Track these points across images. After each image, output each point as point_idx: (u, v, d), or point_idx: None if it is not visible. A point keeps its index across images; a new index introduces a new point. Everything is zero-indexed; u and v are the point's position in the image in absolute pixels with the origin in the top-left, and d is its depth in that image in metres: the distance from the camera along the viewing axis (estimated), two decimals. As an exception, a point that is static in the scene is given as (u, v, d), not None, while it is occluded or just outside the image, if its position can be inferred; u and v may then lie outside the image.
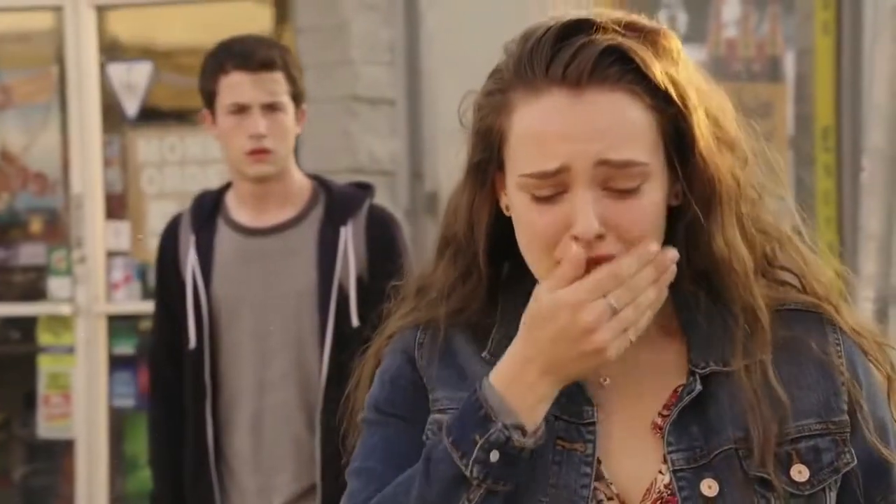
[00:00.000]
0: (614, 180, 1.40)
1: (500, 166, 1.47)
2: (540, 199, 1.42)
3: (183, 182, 5.23)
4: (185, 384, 3.16)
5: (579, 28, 1.42)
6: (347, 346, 2.96)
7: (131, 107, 5.29)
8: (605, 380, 1.49)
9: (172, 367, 3.18)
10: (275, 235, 3.15)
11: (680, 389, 1.47)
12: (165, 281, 3.22)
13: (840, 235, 5.57)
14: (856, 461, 1.47)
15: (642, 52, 1.42)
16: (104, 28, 5.32)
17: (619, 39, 1.41)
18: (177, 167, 5.27)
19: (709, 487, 1.44)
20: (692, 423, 1.45)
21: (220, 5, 5.35)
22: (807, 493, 1.46)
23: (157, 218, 5.13)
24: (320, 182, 3.24)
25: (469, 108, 1.50)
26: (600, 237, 1.40)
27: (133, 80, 5.28)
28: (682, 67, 1.45)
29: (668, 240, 1.45)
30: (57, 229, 5.35)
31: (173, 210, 3.47)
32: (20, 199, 5.41)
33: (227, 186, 3.27)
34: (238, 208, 3.20)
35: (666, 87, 1.42)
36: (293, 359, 3.09)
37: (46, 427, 5.34)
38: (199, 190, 3.40)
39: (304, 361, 3.09)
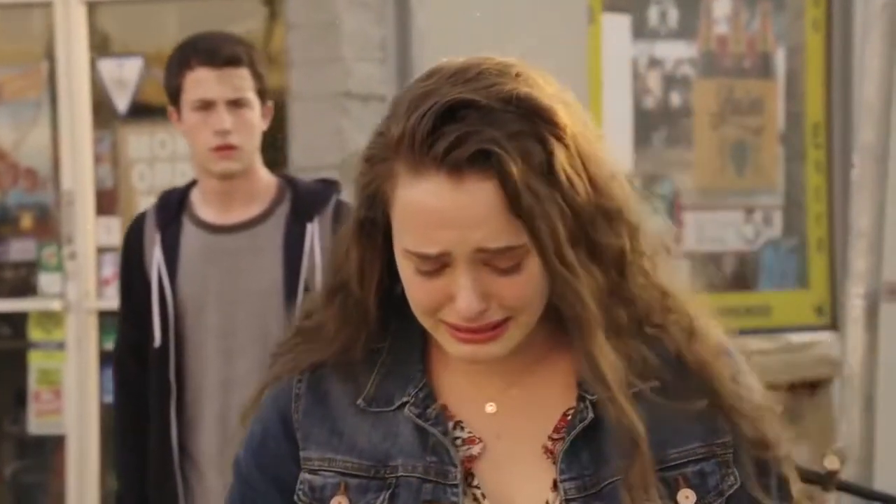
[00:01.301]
0: (494, 261, 1.42)
1: (389, 225, 1.48)
2: (423, 272, 1.44)
3: (173, 178, 5.22)
4: (149, 383, 3.15)
5: (464, 108, 1.41)
6: None
7: (122, 103, 5.28)
8: (490, 406, 1.49)
9: (137, 366, 3.17)
10: (241, 233, 3.15)
11: (570, 413, 1.48)
12: (130, 279, 3.21)
13: (830, 232, 5.58)
14: (739, 482, 1.49)
15: (514, 152, 1.41)
16: (94, 24, 5.31)
17: (497, 136, 1.40)
18: (167, 163, 5.27)
19: None
20: (582, 451, 1.47)
21: (211, 1, 5.34)
22: None
23: (147, 214, 5.12)
24: (286, 179, 3.24)
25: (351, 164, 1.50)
26: (483, 310, 1.42)
27: (124, 76, 5.27)
28: (570, 145, 1.44)
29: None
30: (47, 225, 5.34)
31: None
32: (11, 195, 5.40)
33: (193, 184, 3.26)
34: (203, 206, 3.19)
35: (530, 189, 1.41)
36: (259, 357, 3.07)
37: (37, 423, 5.34)
38: None
39: (267, 361, 3.10)
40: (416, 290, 1.45)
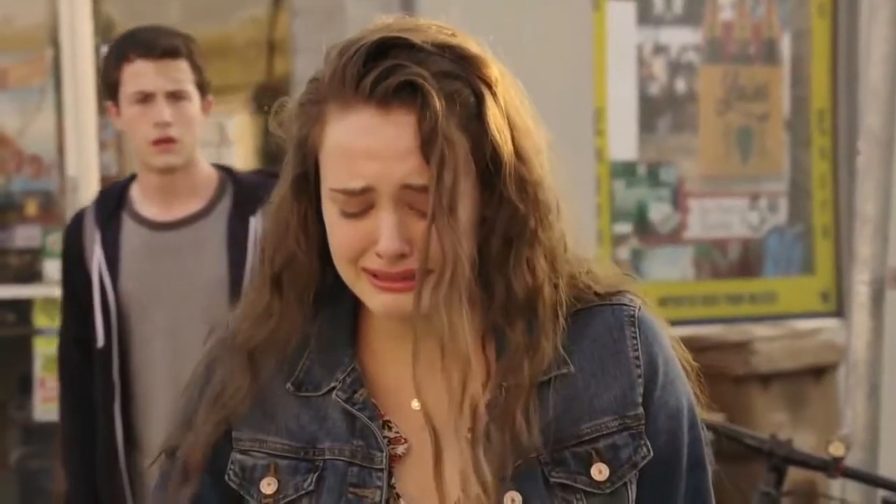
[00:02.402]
0: (419, 203, 1.41)
1: (318, 177, 1.48)
2: (348, 214, 1.43)
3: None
4: (94, 382, 3.11)
5: (396, 46, 1.42)
6: None
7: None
8: (416, 403, 1.49)
9: (82, 362, 3.12)
10: (183, 228, 3.11)
11: (487, 403, 1.48)
12: (72, 277, 3.16)
13: (836, 218, 5.58)
14: (652, 453, 1.49)
15: (440, 91, 1.41)
16: (99, 10, 5.31)
17: (424, 74, 1.40)
18: (172, 150, 5.26)
19: (512, 500, 1.45)
20: (496, 436, 1.46)
21: (215, -13, 5.34)
22: (608, 490, 1.48)
23: (152, 201, 5.12)
24: (227, 172, 3.19)
25: (285, 117, 1.50)
26: (403, 255, 1.42)
27: (128, 62, 5.26)
28: (499, 98, 1.44)
29: (480, 254, 1.46)
30: (52, 212, 5.34)
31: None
32: (15, 181, 5.41)
33: (132, 178, 3.21)
34: (143, 201, 3.14)
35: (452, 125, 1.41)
36: None
37: (42, 409, 5.34)
38: None
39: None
40: (340, 233, 1.44)
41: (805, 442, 4.07)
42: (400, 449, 1.50)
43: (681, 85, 5.43)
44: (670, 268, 5.41)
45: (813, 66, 5.56)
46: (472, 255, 1.45)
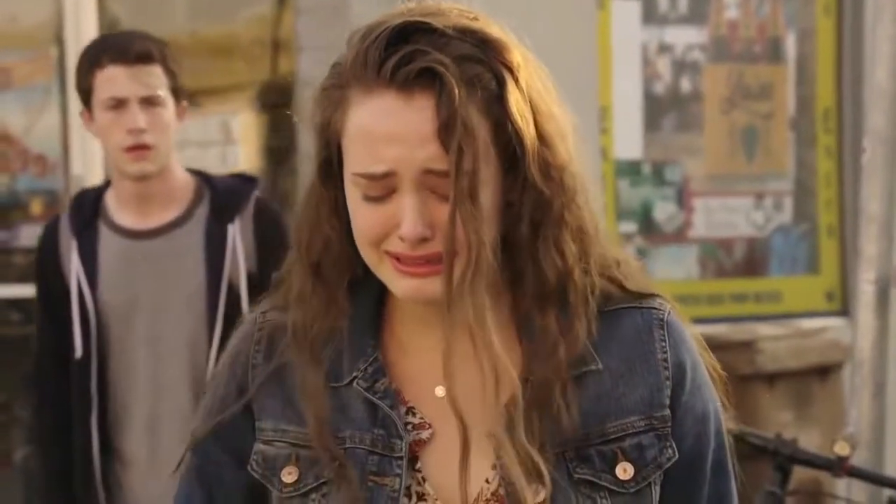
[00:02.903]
0: (441, 187, 1.41)
1: (341, 162, 1.48)
2: (370, 198, 1.43)
3: (183, 164, 5.21)
4: (71, 392, 3.07)
5: (417, 31, 1.42)
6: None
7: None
8: (440, 390, 1.49)
9: (59, 375, 3.08)
10: (160, 237, 3.07)
11: (514, 395, 1.48)
12: (48, 287, 3.11)
13: (841, 217, 5.57)
14: (677, 455, 1.50)
15: (460, 74, 1.40)
16: (104, 9, 5.31)
17: (444, 60, 1.40)
18: (177, 149, 5.26)
19: (535, 493, 1.45)
20: (520, 429, 1.46)
21: (220, -14, 5.34)
22: (632, 490, 1.48)
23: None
24: (203, 178, 3.14)
25: (309, 102, 1.50)
26: (425, 239, 1.42)
27: (133, 61, 5.27)
28: (521, 82, 1.44)
29: (508, 241, 1.46)
30: (57, 211, 5.34)
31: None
32: (21, 180, 5.41)
33: (107, 185, 3.16)
34: (119, 209, 3.09)
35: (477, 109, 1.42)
36: (187, 361, 3.03)
37: (47, 409, 5.35)
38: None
39: (198, 363, 3.03)
40: (363, 217, 1.44)
41: (810, 441, 4.07)
42: (424, 434, 1.50)
43: (686, 84, 5.43)
44: (675, 267, 5.41)
45: (818, 65, 5.56)
46: (494, 240, 1.44)
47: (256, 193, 3.11)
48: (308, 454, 1.50)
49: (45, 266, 3.12)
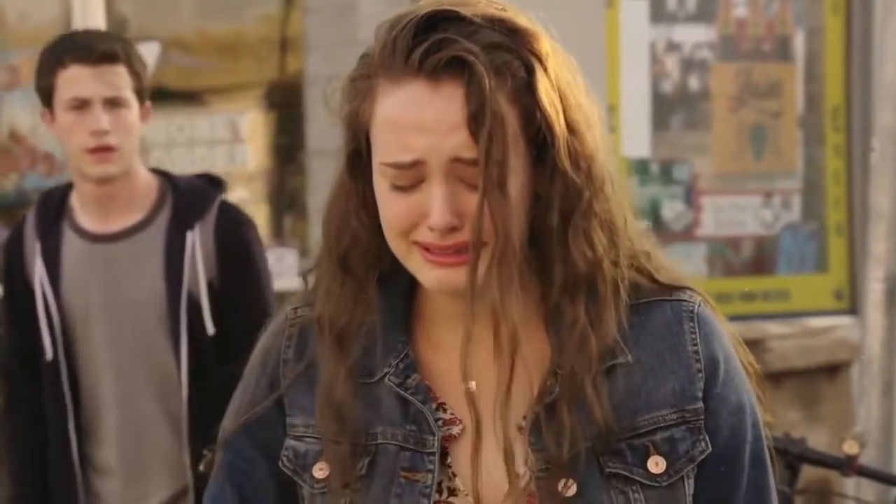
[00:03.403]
0: (469, 176, 1.41)
1: (370, 153, 1.47)
2: (398, 188, 1.43)
3: (191, 163, 5.22)
4: (44, 397, 3.02)
5: (446, 20, 1.42)
6: (205, 353, 2.92)
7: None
8: (471, 385, 1.48)
9: (29, 379, 3.04)
10: (121, 241, 3.00)
11: (542, 390, 1.48)
12: (14, 289, 3.06)
13: (850, 215, 5.56)
14: (710, 448, 1.48)
15: (489, 62, 1.40)
16: (111, 8, 5.31)
17: (473, 48, 1.40)
18: (185, 148, 5.27)
19: (566, 487, 1.45)
20: (552, 423, 1.46)
21: (228, -15, 5.34)
22: (664, 483, 1.47)
23: (165, 198, 5.13)
24: (167, 179, 3.07)
25: (336, 92, 1.50)
26: (454, 228, 1.42)
27: (141, 60, 5.27)
28: (549, 72, 1.44)
29: (537, 232, 1.46)
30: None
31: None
32: (29, 179, 5.41)
33: (70, 187, 3.09)
34: (83, 212, 3.03)
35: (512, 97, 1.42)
36: (150, 368, 2.97)
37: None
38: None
39: (162, 370, 2.98)
40: (391, 207, 1.44)
41: (819, 440, 4.06)
42: (455, 429, 1.49)
43: (694, 82, 5.42)
44: (683, 265, 5.39)
45: (827, 64, 5.55)
46: (522, 229, 1.44)
47: (221, 197, 3.04)
48: (339, 450, 1.49)
49: (11, 267, 3.07)
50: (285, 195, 5.36)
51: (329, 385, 1.50)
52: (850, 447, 3.02)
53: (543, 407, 1.46)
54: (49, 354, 2.98)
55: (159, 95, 5.33)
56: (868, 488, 3.37)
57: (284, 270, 5.24)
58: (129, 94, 2.95)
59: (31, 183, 5.41)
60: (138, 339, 2.97)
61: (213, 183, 3.09)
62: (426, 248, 1.44)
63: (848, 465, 3.03)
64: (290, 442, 1.52)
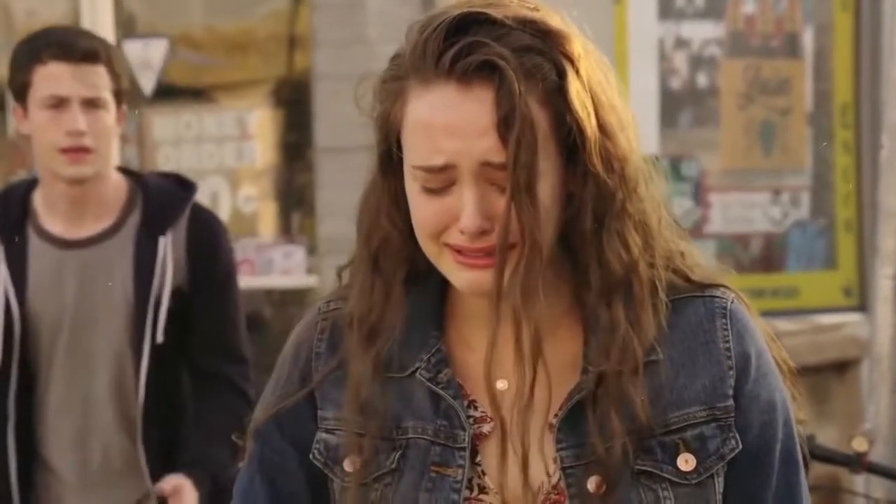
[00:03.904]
0: (500, 179, 1.41)
1: (400, 155, 1.48)
2: (429, 190, 1.43)
3: (199, 160, 5.22)
4: None
5: (477, 22, 1.42)
6: (161, 363, 2.87)
7: (147, 84, 5.28)
8: (502, 383, 1.48)
9: None
10: (91, 247, 2.90)
11: (573, 389, 1.48)
12: None
13: (859, 212, 5.55)
14: (741, 446, 1.48)
15: (520, 65, 1.40)
16: (120, 5, 5.32)
17: (504, 52, 1.40)
18: (193, 144, 5.27)
19: (595, 485, 1.45)
20: (582, 421, 1.46)
21: (236, -18, 5.35)
22: (694, 481, 1.47)
23: (173, 195, 5.14)
24: (137, 181, 2.96)
25: (367, 93, 1.50)
26: (485, 231, 1.42)
27: (149, 57, 5.28)
28: (581, 73, 1.44)
29: (570, 234, 1.46)
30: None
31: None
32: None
33: (32, 185, 2.97)
34: (49, 215, 2.92)
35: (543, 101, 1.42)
36: (114, 375, 2.90)
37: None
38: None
39: (123, 378, 2.90)
40: (422, 209, 1.44)
41: (828, 437, 4.06)
42: (486, 428, 1.50)
43: (702, 79, 5.41)
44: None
45: (836, 60, 5.54)
46: (552, 232, 1.44)
47: (193, 201, 2.96)
48: (370, 443, 1.49)
49: None
50: (293, 192, 5.36)
51: (358, 381, 1.50)
52: (859, 444, 3.02)
53: (573, 406, 1.47)
54: None
55: (167, 92, 5.34)
56: (877, 485, 3.37)
57: (292, 267, 5.24)
58: (107, 96, 2.85)
59: (40, 180, 5.42)
60: (107, 347, 2.90)
61: (183, 186, 3.00)
62: (457, 251, 1.44)
63: (857, 462, 3.03)
64: (321, 435, 1.53)
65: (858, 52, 5.51)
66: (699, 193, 5.42)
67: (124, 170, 3.00)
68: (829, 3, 5.52)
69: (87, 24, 5.21)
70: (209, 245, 2.94)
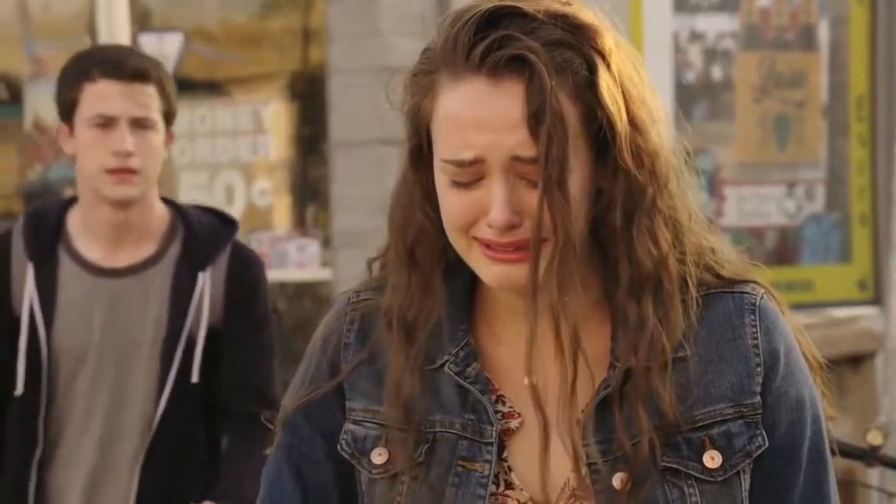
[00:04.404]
0: (529, 173, 1.40)
1: (430, 149, 1.47)
2: (458, 184, 1.43)
3: (213, 153, 5.23)
4: (7, 428, 2.80)
5: (508, 15, 1.41)
6: (184, 400, 2.79)
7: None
8: (532, 379, 1.47)
9: None
10: (129, 277, 2.80)
11: (601, 385, 1.47)
12: None
13: (874, 205, 5.54)
14: (767, 443, 1.47)
15: (551, 60, 1.40)
16: (135, -1, 5.33)
17: (535, 46, 1.39)
18: (207, 138, 5.28)
19: (621, 481, 1.44)
20: (608, 417, 1.46)
21: (251, -24, 5.35)
22: (719, 478, 1.46)
23: (188, 189, 5.14)
24: (178, 210, 2.87)
25: (398, 87, 1.49)
26: (514, 226, 1.41)
27: (164, 50, 5.28)
28: (612, 68, 1.43)
29: (600, 229, 1.46)
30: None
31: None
32: (54, 169, 5.43)
33: (67, 206, 2.86)
34: (86, 239, 2.81)
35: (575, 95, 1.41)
36: (135, 412, 2.80)
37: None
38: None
39: (146, 414, 2.80)
40: (451, 203, 1.44)
41: (842, 430, 4.05)
42: (513, 423, 1.49)
43: (717, 72, 5.40)
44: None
45: (851, 53, 5.52)
46: (583, 227, 1.43)
47: (234, 237, 2.87)
48: (398, 436, 1.49)
49: None
50: (308, 185, 5.37)
51: (399, 378, 1.50)
52: (874, 437, 3.01)
53: (601, 401, 1.46)
54: (20, 389, 2.76)
55: (182, 86, 5.35)
56: (892, 479, 3.36)
57: (306, 260, 5.25)
58: (157, 116, 2.77)
59: (56, 174, 5.43)
60: (130, 380, 2.80)
61: (226, 221, 2.92)
62: (486, 245, 1.43)
63: (872, 456, 3.02)
64: (348, 426, 1.52)
65: (874, 44, 5.50)
66: (714, 186, 5.41)
67: (164, 199, 2.91)
68: (844, -5, 5.51)
69: (102, 19, 5.22)
70: (249, 286, 2.85)
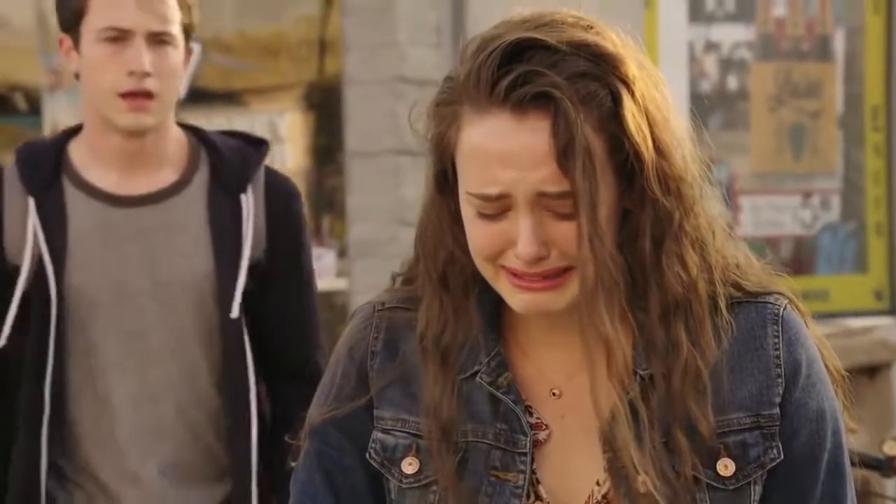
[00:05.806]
0: (555, 207, 1.41)
1: (456, 175, 1.48)
2: (484, 216, 1.43)
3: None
4: (7, 393, 2.41)
5: (531, 48, 1.41)
6: (228, 341, 2.41)
7: (180, 87, 5.31)
8: (557, 393, 1.49)
9: None
10: (149, 206, 2.41)
11: (620, 393, 1.47)
12: None
13: (889, 215, 5.54)
14: (782, 456, 1.47)
15: (575, 93, 1.40)
16: (152, 10, 5.35)
17: (559, 81, 1.39)
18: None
19: (643, 484, 1.44)
20: (634, 425, 1.46)
21: (267, -14, 5.37)
22: (731, 487, 1.46)
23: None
24: (197, 134, 2.49)
25: (422, 115, 1.49)
26: (542, 257, 1.42)
27: (181, 61, 5.29)
28: (636, 95, 1.43)
29: (626, 254, 1.46)
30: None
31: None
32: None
33: (68, 135, 2.46)
34: (95, 167, 2.42)
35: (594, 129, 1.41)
36: (178, 366, 2.42)
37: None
38: None
39: (190, 368, 2.42)
40: (478, 233, 1.44)
41: (858, 441, 4.05)
42: (542, 435, 1.50)
43: (732, 82, 5.41)
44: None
45: (867, 63, 5.52)
46: (614, 250, 1.43)
47: (265, 159, 2.51)
48: (429, 445, 1.49)
49: None
50: (324, 195, 5.38)
51: (437, 402, 1.49)
52: (890, 448, 3.01)
53: (622, 408, 1.46)
54: (2, 341, 2.38)
55: (199, 96, 5.36)
56: (908, 489, 3.36)
57: (322, 270, 5.26)
58: (176, 31, 2.40)
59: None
60: (167, 329, 2.41)
61: (253, 143, 2.53)
62: (514, 274, 1.44)
63: (888, 466, 3.02)
64: (377, 434, 1.52)
65: (890, 54, 5.50)
66: (729, 196, 5.40)
67: (182, 124, 2.54)
68: (860, 5, 5.51)
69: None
70: (292, 214, 2.50)
